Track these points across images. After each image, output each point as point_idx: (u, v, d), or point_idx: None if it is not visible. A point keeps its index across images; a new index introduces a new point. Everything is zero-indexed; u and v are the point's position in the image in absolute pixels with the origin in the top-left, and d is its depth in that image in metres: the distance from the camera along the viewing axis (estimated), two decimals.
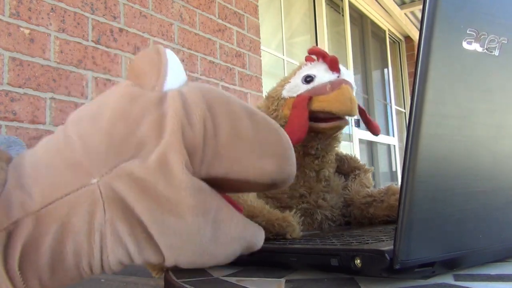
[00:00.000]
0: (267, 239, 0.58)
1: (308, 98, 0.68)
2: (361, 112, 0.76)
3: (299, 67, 0.75)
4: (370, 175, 0.84)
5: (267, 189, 0.39)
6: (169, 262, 0.35)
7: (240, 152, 0.35)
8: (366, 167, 0.84)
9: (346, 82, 0.69)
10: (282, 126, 0.69)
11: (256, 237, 0.39)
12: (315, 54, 0.74)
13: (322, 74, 0.71)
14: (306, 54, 0.77)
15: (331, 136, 0.72)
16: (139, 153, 0.33)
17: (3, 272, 0.30)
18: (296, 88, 0.71)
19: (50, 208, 0.32)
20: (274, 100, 0.73)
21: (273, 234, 0.58)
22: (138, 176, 0.32)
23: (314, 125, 0.69)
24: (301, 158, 0.72)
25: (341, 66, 0.72)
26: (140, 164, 0.32)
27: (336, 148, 0.77)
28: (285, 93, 0.72)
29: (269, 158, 0.36)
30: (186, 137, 0.33)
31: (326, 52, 0.73)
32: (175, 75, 0.36)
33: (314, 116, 0.69)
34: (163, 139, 0.33)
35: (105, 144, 0.33)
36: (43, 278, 0.32)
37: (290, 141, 0.39)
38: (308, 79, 0.71)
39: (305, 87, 0.70)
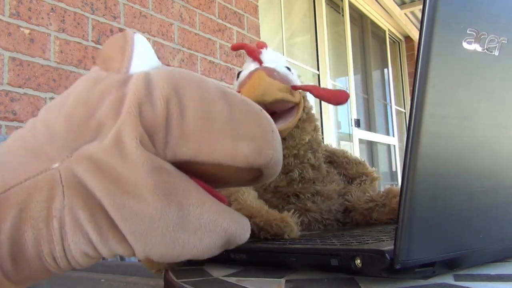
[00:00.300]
0: (265, 239, 0.58)
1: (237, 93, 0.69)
2: (311, 89, 0.70)
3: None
4: (376, 183, 0.81)
5: (251, 177, 0.37)
6: (139, 253, 0.33)
7: (209, 134, 0.34)
8: (375, 174, 0.82)
9: (263, 69, 0.66)
10: None
11: (239, 228, 0.36)
12: (238, 49, 0.74)
13: (248, 66, 0.71)
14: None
15: (282, 137, 0.68)
16: (98, 135, 0.32)
17: None
18: (234, 87, 0.72)
19: (9, 194, 0.31)
20: None
21: (271, 234, 0.58)
22: (96, 157, 0.31)
23: None
24: None
25: (268, 53, 0.70)
26: (98, 145, 0.32)
27: (310, 150, 0.73)
28: (234, 87, 0.73)
29: (244, 141, 0.35)
30: (145, 116, 0.32)
31: (245, 44, 0.72)
32: (143, 59, 0.36)
33: None
34: (119, 117, 0.32)
35: (65, 127, 0.33)
36: (6, 269, 0.32)
37: (273, 125, 0.38)
38: (238, 75, 0.72)
39: (236, 83, 0.71)
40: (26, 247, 0.32)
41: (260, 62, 0.69)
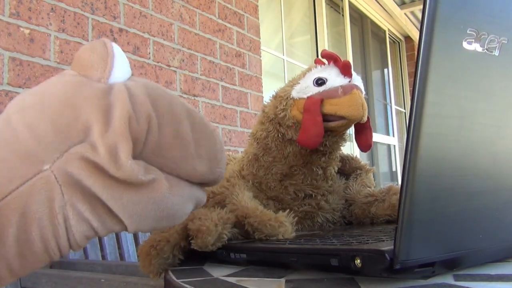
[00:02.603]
0: (260, 240, 0.58)
1: (320, 101, 0.68)
2: (367, 120, 0.75)
3: (309, 69, 0.74)
4: (371, 175, 0.83)
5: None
6: (131, 230, 0.37)
7: (177, 152, 0.37)
8: (368, 167, 0.84)
9: (358, 88, 0.69)
10: (290, 126, 0.70)
11: (203, 194, 0.41)
12: (328, 57, 0.74)
13: (333, 78, 0.70)
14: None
15: (339, 134, 0.72)
16: (86, 138, 0.34)
17: None
18: (306, 89, 0.71)
19: (7, 200, 0.32)
20: (283, 100, 0.72)
21: (266, 234, 0.58)
22: (91, 160, 0.33)
23: (324, 124, 0.70)
24: (308, 155, 0.72)
25: (353, 72, 0.72)
26: (91, 149, 0.34)
27: (341, 147, 0.77)
28: (295, 94, 0.71)
29: (202, 160, 0.39)
30: (132, 129, 0.35)
31: (338, 56, 0.73)
32: (120, 68, 0.38)
33: (323, 116, 0.69)
34: (111, 127, 0.34)
35: (53, 130, 0.34)
36: (13, 267, 0.34)
37: (222, 144, 0.42)
38: (319, 81, 0.71)
39: (316, 90, 0.70)
40: (34, 244, 0.34)
41: (351, 76, 0.71)
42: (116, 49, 0.38)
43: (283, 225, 0.58)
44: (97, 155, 0.33)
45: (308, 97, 0.70)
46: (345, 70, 0.71)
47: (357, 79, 0.72)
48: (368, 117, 0.74)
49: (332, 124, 0.69)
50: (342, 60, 0.72)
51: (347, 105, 0.67)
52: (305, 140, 0.68)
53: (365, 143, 0.74)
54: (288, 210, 0.65)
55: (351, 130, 0.76)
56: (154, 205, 0.36)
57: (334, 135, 0.71)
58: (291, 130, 0.71)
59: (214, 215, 0.57)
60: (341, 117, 0.68)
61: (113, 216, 0.35)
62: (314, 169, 0.73)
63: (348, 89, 0.68)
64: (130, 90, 0.36)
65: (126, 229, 0.37)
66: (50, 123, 0.34)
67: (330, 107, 0.68)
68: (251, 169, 0.74)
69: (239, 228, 0.61)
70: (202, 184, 0.41)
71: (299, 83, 0.72)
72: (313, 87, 0.70)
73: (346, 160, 0.83)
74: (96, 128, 0.34)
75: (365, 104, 0.68)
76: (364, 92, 0.72)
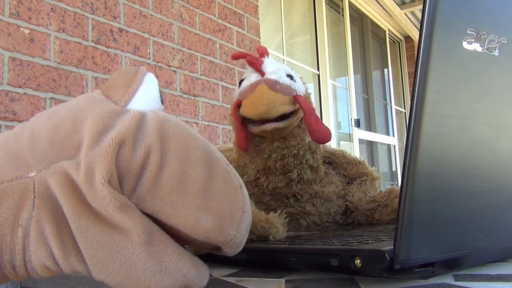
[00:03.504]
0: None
1: (237, 104, 0.67)
2: (306, 112, 0.67)
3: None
4: (377, 183, 0.81)
5: (207, 249, 0.36)
6: (95, 276, 0.32)
7: (178, 197, 0.33)
8: (375, 174, 0.82)
9: (265, 81, 0.64)
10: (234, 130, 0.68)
11: (197, 274, 0.34)
12: (239, 58, 0.70)
13: (249, 76, 0.68)
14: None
15: (281, 135, 0.68)
16: (78, 153, 0.32)
17: None
18: (236, 92, 0.70)
19: None
20: (231, 103, 0.71)
21: (257, 236, 0.58)
22: (71, 177, 0.31)
23: (250, 129, 0.67)
24: (265, 159, 0.70)
25: (270, 64, 0.68)
26: (75, 167, 0.31)
27: (296, 149, 0.71)
28: (235, 95, 0.71)
29: (210, 215, 0.33)
30: (121, 157, 0.31)
31: (246, 53, 0.69)
32: (145, 98, 0.36)
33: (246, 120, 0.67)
34: (96, 148, 0.31)
35: (49, 139, 0.32)
36: None
37: (247, 205, 0.36)
38: (240, 82, 0.69)
39: (237, 91, 0.69)
40: None
41: (262, 73, 0.67)
42: (150, 79, 0.36)
43: (274, 226, 0.58)
44: (78, 174, 0.30)
45: (234, 101, 0.68)
46: (253, 67, 0.67)
47: (272, 70, 0.67)
48: (304, 110, 0.66)
49: (253, 129, 0.66)
50: (248, 56, 0.68)
51: (248, 104, 0.64)
52: (237, 145, 0.67)
53: (314, 135, 0.66)
54: (279, 211, 0.65)
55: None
56: (120, 255, 0.31)
57: (271, 139, 0.68)
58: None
59: None
60: (250, 119, 0.65)
61: (78, 252, 0.31)
62: (275, 172, 0.71)
63: (253, 87, 0.65)
64: (143, 118, 0.34)
65: (90, 273, 0.32)
66: (49, 132, 0.33)
67: (241, 110, 0.66)
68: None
69: None
70: (211, 245, 0.35)
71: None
72: (237, 89, 0.69)
73: (353, 164, 0.82)
74: (85, 145, 0.31)
75: (267, 99, 0.62)
76: (284, 82, 0.66)
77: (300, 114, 0.68)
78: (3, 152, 0.33)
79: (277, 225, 0.59)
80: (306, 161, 0.72)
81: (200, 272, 0.34)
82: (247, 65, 0.70)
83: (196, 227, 0.33)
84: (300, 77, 0.74)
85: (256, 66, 0.67)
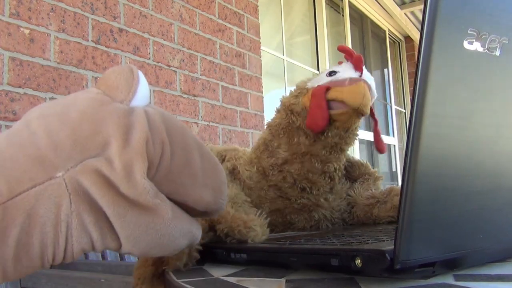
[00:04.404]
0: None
1: (326, 87, 0.71)
2: (377, 122, 0.77)
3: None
4: (380, 183, 0.83)
5: (199, 216, 0.44)
6: (125, 250, 0.38)
7: (186, 180, 0.40)
8: (377, 174, 0.84)
9: (365, 81, 0.71)
10: (299, 112, 0.73)
11: (199, 232, 0.43)
12: (343, 51, 0.77)
13: (345, 71, 0.73)
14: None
15: (342, 126, 0.73)
16: (103, 152, 0.36)
17: None
18: (319, 80, 0.74)
19: (17, 200, 0.33)
20: (298, 89, 0.76)
21: (237, 240, 0.57)
22: (104, 174, 0.35)
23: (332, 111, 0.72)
24: (310, 145, 0.72)
25: (365, 70, 0.75)
26: (106, 164, 0.35)
27: (347, 150, 0.77)
28: (309, 84, 0.75)
29: (208, 189, 0.41)
30: (148, 152, 0.37)
31: (353, 52, 0.76)
32: (142, 95, 0.40)
33: (329, 106, 0.71)
34: (129, 147, 0.36)
35: (71, 140, 0.35)
36: (7, 269, 0.34)
37: (225, 177, 0.44)
38: (332, 73, 0.74)
39: (326, 79, 0.73)
40: (32, 249, 0.34)
41: (362, 73, 0.73)
42: (141, 76, 0.41)
43: (253, 230, 0.58)
44: (112, 170, 0.35)
45: (317, 85, 0.73)
46: (357, 63, 0.73)
47: (368, 76, 0.74)
48: (375, 120, 0.76)
49: (332, 111, 0.70)
50: (355, 55, 0.75)
51: (349, 91, 0.69)
52: (310, 122, 0.71)
53: (377, 145, 0.77)
54: (259, 211, 0.65)
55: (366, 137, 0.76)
56: (153, 230, 0.37)
57: (337, 126, 0.72)
58: (300, 117, 0.73)
59: None
60: (343, 104, 0.69)
61: (113, 233, 0.36)
62: (312, 161, 0.73)
63: (354, 80, 0.70)
64: (148, 115, 0.39)
65: (120, 248, 0.38)
66: (70, 133, 0.35)
67: (333, 93, 0.70)
68: (258, 153, 0.76)
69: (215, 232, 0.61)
70: (204, 213, 0.43)
71: (318, 75, 0.77)
72: (325, 78, 0.74)
73: (356, 166, 0.84)
74: (115, 144, 0.35)
75: (368, 96, 0.69)
76: (375, 93, 0.74)
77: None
78: (26, 158, 0.34)
79: (256, 228, 0.58)
80: (342, 162, 0.76)
81: (199, 229, 0.43)
82: (344, 61, 0.77)
83: (200, 201, 0.41)
84: None
85: (361, 65, 0.74)
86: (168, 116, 0.41)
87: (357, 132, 0.76)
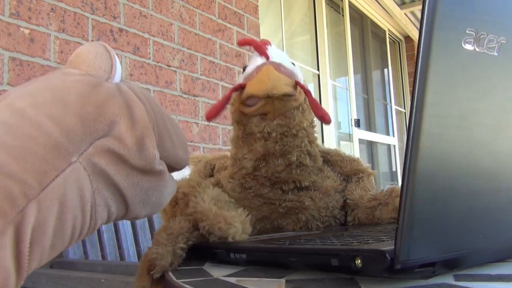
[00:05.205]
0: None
1: (238, 86, 0.71)
2: (309, 93, 0.73)
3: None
4: (372, 178, 0.83)
5: (171, 171, 0.49)
6: (130, 216, 0.42)
7: (168, 142, 0.44)
8: (370, 170, 0.82)
9: (270, 63, 0.69)
10: (241, 119, 0.73)
11: (175, 181, 0.48)
12: (245, 44, 0.76)
13: (253, 62, 0.72)
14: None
15: (274, 115, 0.71)
16: (111, 131, 0.38)
17: (12, 263, 0.33)
18: (241, 76, 0.74)
19: (47, 191, 0.35)
20: (232, 99, 0.76)
21: (219, 237, 0.57)
22: (116, 151, 0.38)
23: (244, 110, 0.72)
24: (264, 145, 0.72)
25: (272, 50, 0.73)
26: (117, 142, 0.38)
27: (304, 134, 0.74)
28: (238, 80, 0.75)
29: (181, 149, 0.46)
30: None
31: (252, 40, 0.75)
32: (119, 72, 0.43)
33: (248, 104, 0.71)
34: (137, 123, 0.39)
35: (80, 124, 0.37)
36: (43, 257, 0.36)
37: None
38: (244, 68, 0.73)
39: (241, 78, 0.73)
40: (65, 234, 0.36)
41: (267, 57, 0.71)
42: (113, 52, 0.43)
43: (233, 227, 0.57)
44: (124, 146, 0.38)
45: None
46: (258, 49, 0.72)
47: (276, 55, 0.72)
48: (306, 91, 0.72)
49: (246, 110, 0.71)
50: (255, 42, 0.74)
51: (253, 84, 0.69)
52: (209, 112, 0.72)
53: (317, 114, 0.73)
54: (242, 209, 0.65)
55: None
56: (157, 192, 0.42)
57: (269, 117, 0.71)
58: (242, 123, 0.74)
59: (163, 235, 0.58)
60: (255, 98, 0.69)
61: (123, 201, 0.40)
62: (272, 158, 0.72)
63: (259, 68, 0.69)
64: (132, 89, 0.42)
65: (126, 213, 0.41)
66: (77, 118, 0.37)
67: (247, 90, 0.70)
68: (234, 170, 0.75)
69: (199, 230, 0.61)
70: (175, 169, 0.48)
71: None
72: (241, 76, 0.73)
73: (348, 161, 0.83)
74: (123, 123, 0.38)
75: (276, 76, 0.67)
76: (285, 65, 0.71)
77: (300, 99, 0.72)
78: (41, 148, 0.35)
79: (236, 224, 0.58)
80: (305, 146, 0.74)
81: (175, 183, 0.48)
82: (253, 52, 0.75)
83: (179, 159, 0.46)
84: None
85: (263, 49, 0.72)
86: (140, 87, 0.45)
87: (299, 112, 0.73)
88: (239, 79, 0.74)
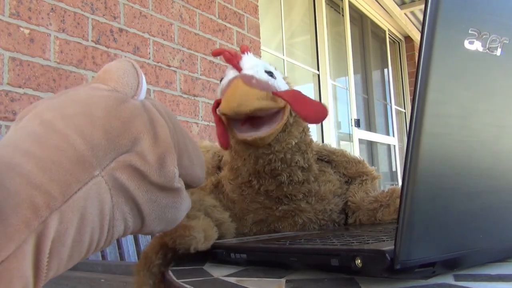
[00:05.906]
0: (260, 240, 0.57)
1: (216, 103, 0.67)
2: (291, 102, 0.64)
3: None
4: (377, 182, 0.81)
5: (187, 188, 0.49)
6: (147, 230, 0.42)
7: (187, 161, 0.45)
8: (375, 173, 0.81)
9: (240, 77, 0.64)
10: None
11: (190, 202, 0.49)
12: (218, 55, 0.70)
13: (228, 73, 0.68)
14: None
15: (264, 143, 0.66)
16: (134, 147, 0.39)
17: (32, 272, 0.33)
18: (218, 90, 0.70)
19: (70, 203, 0.35)
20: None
21: (185, 249, 0.54)
22: (138, 168, 0.38)
23: (237, 135, 0.66)
24: (254, 165, 0.69)
25: (247, 59, 0.67)
26: (139, 158, 0.39)
27: (287, 138, 0.69)
28: (217, 94, 0.71)
29: (199, 167, 0.47)
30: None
31: (224, 50, 0.68)
32: (144, 89, 0.43)
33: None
34: (160, 140, 0.40)
35: (106, 139, 0.38)
36: (60, 268, 0.36)
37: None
38: (221, 80, 0.69)
39: (219, 90, 0.69)
40: (83, 246, 0.37)
41: (239, 69, 0.66)
42: (140, 70, 0.44)
43: (193, 237, 0.53)
44: (146, 163, 0.39)
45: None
46: (229, 61, 0.67)
47: (248, 66, 0.66)
48: (288, 99, 0.64)
49: (239, 135, 0.65)
50: (225, 53, 0.68)
51: (224, 100, 0.63)
52: (219, 142, 0.67)
53: (308, 120, 0.65)
54: (202, 216, 0.59)
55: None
56: (173, 209, 0.42)
57: (259, 145, 0.67)
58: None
59: (141, 261, 0.58)
60: (228, 117, 0.64)
61: (140, 216, 0.40)
62: (262, 180, 0.70)
63: (230, 82, 0.64)
64: (156, 107, 0.43)
65: (142, 228, 0.42)
66: (103, 133, 0.38)
67: (219, 107, 0.65)
68: (231, 176, 0.74)
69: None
70: (190, 187, 0.48)
71: None
72: (218, 89, 0.69)
73: (353, 163, 0.81)
74: (146, 140, 0.39)
75: (243, 92, 0.61)
76: (258, 77, 0.64)
77: (283, 119, 0.66)
78: (66, 160, 0.36)
79: (196, 234, 0.53)
80: (296, 163, 0.70)
81: (190, 200, 0.48)
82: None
83: (196, 178, 0.47)
84: (283, 77, 0.72)
85: (233, 62, 0.67)
86: (162, 105, 0.46)
87: (285, 134, 0.67)
88: (218, 93, 0.70)
